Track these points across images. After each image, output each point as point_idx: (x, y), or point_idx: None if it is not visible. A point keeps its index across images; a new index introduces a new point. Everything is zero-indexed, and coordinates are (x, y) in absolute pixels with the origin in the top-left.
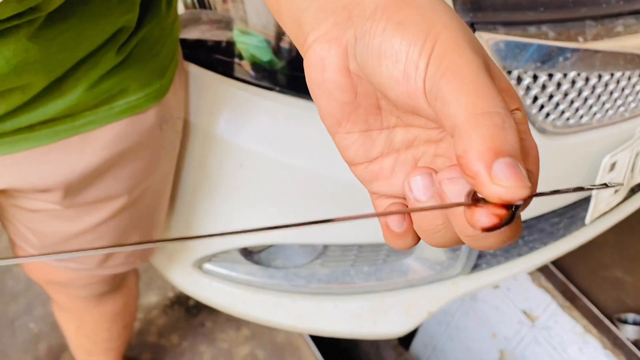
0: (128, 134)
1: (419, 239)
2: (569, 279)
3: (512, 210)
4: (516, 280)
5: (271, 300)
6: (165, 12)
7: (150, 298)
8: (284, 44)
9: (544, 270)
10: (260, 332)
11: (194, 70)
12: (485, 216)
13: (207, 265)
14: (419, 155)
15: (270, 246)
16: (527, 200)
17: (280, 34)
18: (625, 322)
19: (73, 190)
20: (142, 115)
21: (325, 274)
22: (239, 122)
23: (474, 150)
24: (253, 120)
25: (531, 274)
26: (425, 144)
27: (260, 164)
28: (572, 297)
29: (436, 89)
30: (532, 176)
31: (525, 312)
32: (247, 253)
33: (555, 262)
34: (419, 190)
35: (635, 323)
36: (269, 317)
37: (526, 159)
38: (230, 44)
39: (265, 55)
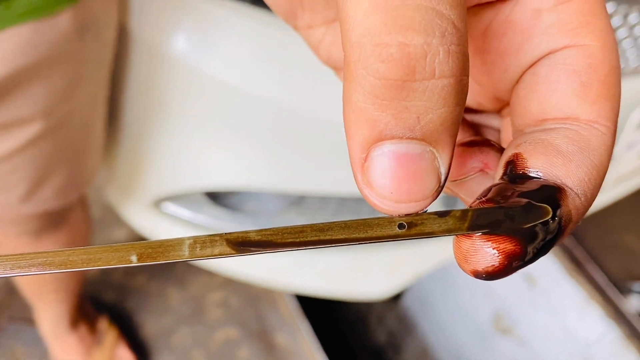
0: (34, 43)
1: None
2: (576, 240)
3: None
4: None
5: None
6: None
7: (118, 233)
8: None
9: None
10: (235, 279)
11: None
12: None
13: (167, 206)
14: None
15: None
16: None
17: None
18: (632, 291)
19: None
20: (52, 20)
21: (302, 223)
22: (198, 39)
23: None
24: (216, 39)
25: None
26: None
27: (223, 93)
28: (577, 261)
29: None
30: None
31: (525, 273)
32: (213, 195)
33: None
34: None
35: None
36: (235, 269)
37: None
38: None
39: None
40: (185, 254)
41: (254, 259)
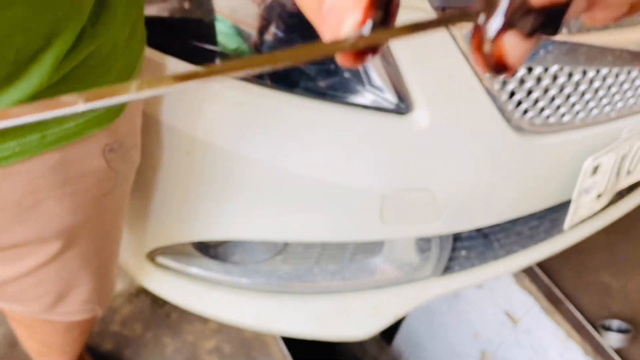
0: (64, 164)
1: None
2: (553, 281)
3: None
4: (500, 280)
5: (228, 297)
6: (120, 23)
7: (115, 285)
8: (251, 29)
9: (528, 271)
10: (228, 326)
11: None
12: None
13: (160, 258)
14: None
15: (227, 240)
16: None
17: (262, 24)
18: (609, 328)
19: None
20: (82, 142)
21: (287, 271)
22: (186, 107)
23: None
24: (201, 106)
25: (515, 275)
26: None
27: (209, 153)
28: (556, 300)
29: None
30: None
31: (508, 314)
32: (203, 247)
33: (540, 264)
34: None
35: (619, 330)
36: (225, 315)
37: None
38: (189, 24)
39: (232, 43)
40: (132, 90)
41: (243, 306)
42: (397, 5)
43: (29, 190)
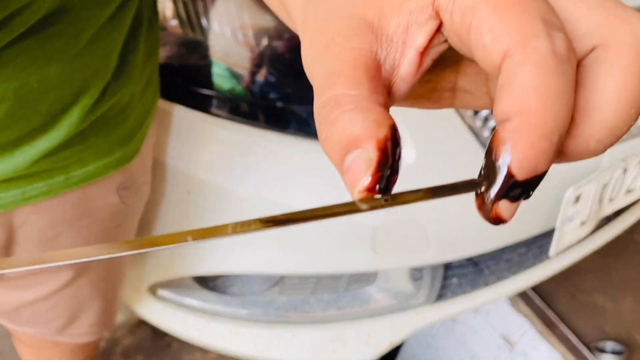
0: (83, 201)
1: None
2: (548, 304)
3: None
4: (496, 304)
5: (227, 328)
6: (137, 77)
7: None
8: (243, 70)
9: (522, 295)
10: (227, 356)
11: None
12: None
13: (161, 291)
14: None
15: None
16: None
17: (254, 66)
18: (603, 350)
19: None
20: (98, 183)
21: (284, 302)
22: (186, 148)
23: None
24: (200, 147)
25: (510, 298)
26: None
27: (207, 191)
28: (551, 323)
29: None
30: None
31: (504, 337)
32: (202, 280)
33: (535, 287)
34: None
35: (613, 352)
36: (224, 346)
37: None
38: (189, 70)
39: (227, 84)
40: (229, 232)
41: (241, 336)
42: (397, 177)
43: (50, 224)
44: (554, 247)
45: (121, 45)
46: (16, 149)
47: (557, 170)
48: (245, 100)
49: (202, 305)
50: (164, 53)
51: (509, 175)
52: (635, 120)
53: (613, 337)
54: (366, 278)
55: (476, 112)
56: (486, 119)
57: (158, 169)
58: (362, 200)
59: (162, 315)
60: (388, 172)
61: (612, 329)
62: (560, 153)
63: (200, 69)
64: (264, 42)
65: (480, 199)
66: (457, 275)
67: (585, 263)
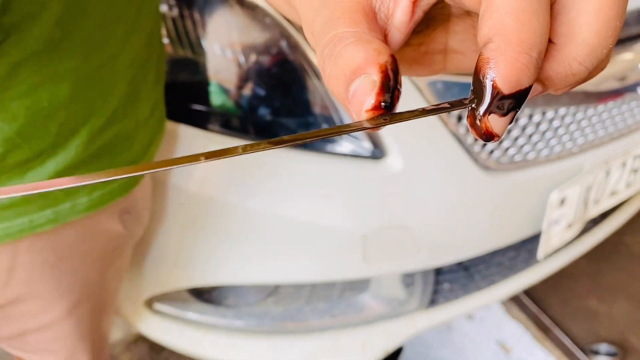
0: (84, 228)
1: None
2: (541, 309)
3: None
4: (490, 311)
5: (223, 340)
6: (143, 104)
7: (114, 334)
8: (232, 86)
9: (516, 300)
10: None
11: None
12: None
13: (158, 305)
14: None
15: (221, 286)
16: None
17: (243, 81)
18: (597, 353)
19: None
20: (102, 210)
21: (279, 312)
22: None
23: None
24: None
25: (504, 304)
26: None
27: (200, 204)
28: (545, 328)
29: None
30: None
31: (500, 343)
32: (198, 292)
33: (528, 293)
34: None
35: (608, 354)
36: (221, 358)
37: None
38: (180, 87)
39: (218, 100)
40: (239, 151)
41: (238, 347)
42: (400, 93)
43: (54, 250)
44: (542, 249)
45: (131, 71)
46: (26, 171)
47: (541, 173)
48: (236, 115)
49: (199, 318)
50: None
51: (495, 90)
52: (613, 42)
53: (607, 340)
54: (359, 286)
55: (460, 119)
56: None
57: (149, 182)
58: (368, 120)
59: (160, 329)
60: (390, 92)
61: (606, 332)
62: (547, 79)
63: (192, 86)
64: (252, 58)
65: (472, 116)
66: (448, 281)
67: (577, 268)
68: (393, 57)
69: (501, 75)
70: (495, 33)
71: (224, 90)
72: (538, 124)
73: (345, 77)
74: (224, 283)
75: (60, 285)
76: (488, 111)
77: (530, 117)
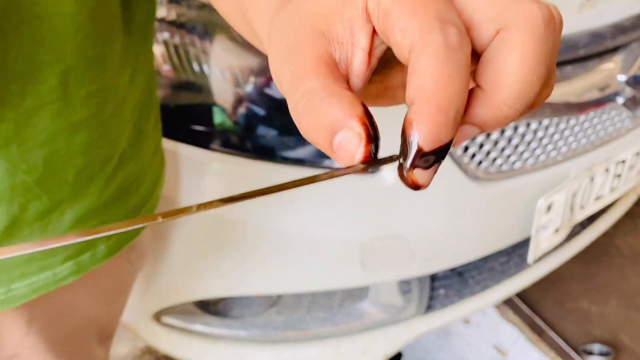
0: (94, 275)
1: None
2: (535, 311)
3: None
4: (486, 315)
5: (229, 350)
6: (147, 145)
7: (121, 349)
8: (231, 106)
9: (510, 304)
10: None
11: None
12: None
13: (166, 318)
14: None
15: (225, 297)
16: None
17: (238, 101)
18: (591, 353)
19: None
20: (117, 255)
21: (281, 321)
22: (180, 180)
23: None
24: (194, 178)
25: (499, 308)
26: None
27: (204, 219)
28: (539, 330)
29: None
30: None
31: (496, 347)
32: (204, 305)
33: (521, 296)
34: None
35: (601, 354)
36: None
37: None
38: (183, 109)
39: (218, 119)
40: (194, 210)
41: (243, 357)
42: (380, 140)
43: (66, 288)
44: (532, 254)
45: (136, 113)
46: (47, 224)
47: (528, 182)
48: (236, 134)
49: (205, 330)
50: (160, 94)
51: (418, 148)
52: (539, 85)
53: (600, 340)
54: (359, 294)
55: None
56: None
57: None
58: (348, 168)
59: (168, 341)
60: (374, 142)
61: (598, 332)
62: (481, 122)
63: (193, 108)
64: (251, 79)
65: (400, 169)
66: (443, 287)
67: (569, 270)
68: (364, 106)
69: (422, 135)
70: (417, 95)
71: (225, 111)
72: (523, 135)
73: (326, 130)
74: (229, 294)
75: (63, 328)
76: (413, 166)
77: (516, 128)
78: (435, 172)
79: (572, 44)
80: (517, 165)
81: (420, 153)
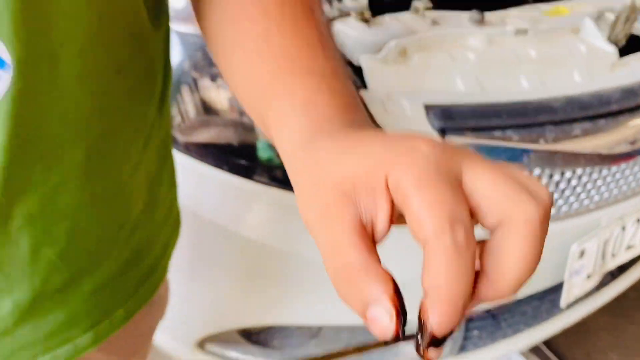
0: (119, 336)
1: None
2: None
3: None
4: None
5: None
6: (161, 207)
7: None
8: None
9: (538, 352)
10: None
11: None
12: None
13: (209, 346)
14: None
15: (268, 327)
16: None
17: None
18: None
19: None
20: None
21: (319, 353)
22: (231, 210)
23: None
24: (242, 208)
25: (525, 356)
26: None
27: (251, 249)
28: None
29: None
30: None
31: None
32: (247, 334)
33: (551, 346)
34: None
35: None
36: None
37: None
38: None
39: (265, 154)
40: None
41: None
42: (407, 314)
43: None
44: (564, 298)
45: (149, 177)
46: (67, 296)
47: (562, 228)
48: (282, 168)
49: (247, 359)
50: (214, 134)
51: (432, 333)
52: (532, 274)
53: None
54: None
55: None
56: None
57: (204, 227)
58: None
59: None
60: (402, 317)
61: None
62: (483, 299)
63: (245, 145)
64: None
65: (417, 345)
66: (477, 328)
67: (598, 322)
68: (394, 283)
69: (435, 325)
70: (432, 286)
71: (270, 145)
72: (557, 183)
73: (361, 302)
74: (274, 323)
75: None
76: (427, 346)
77: (551, 176)
78: (444, 346)
79: (605, 99)
80: (552, 212)
81: (432, 337)
